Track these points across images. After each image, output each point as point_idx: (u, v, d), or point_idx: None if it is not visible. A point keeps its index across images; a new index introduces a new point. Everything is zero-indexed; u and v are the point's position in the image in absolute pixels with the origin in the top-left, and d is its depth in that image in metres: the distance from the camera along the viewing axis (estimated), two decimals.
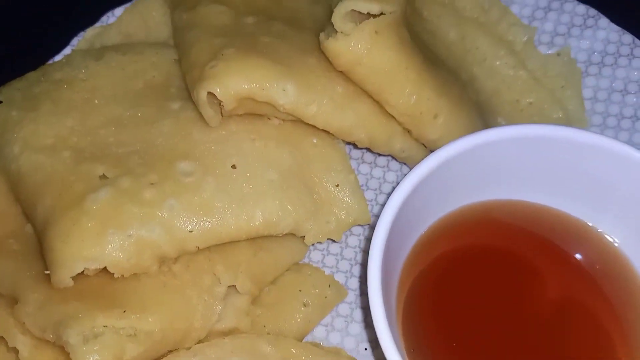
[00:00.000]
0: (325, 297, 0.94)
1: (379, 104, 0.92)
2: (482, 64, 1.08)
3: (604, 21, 1.09)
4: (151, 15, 1.10)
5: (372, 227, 0.98)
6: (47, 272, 0.83)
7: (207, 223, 0.86)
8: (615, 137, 1.03)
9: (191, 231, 0.86)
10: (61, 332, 0.78)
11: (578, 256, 0.90)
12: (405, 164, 1.04)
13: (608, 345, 0.85)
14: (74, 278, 0.82)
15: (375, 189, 1.04)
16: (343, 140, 0.96)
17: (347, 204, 0.94)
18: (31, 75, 1.00)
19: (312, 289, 0.94)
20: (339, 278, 0.97)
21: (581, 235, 0.90)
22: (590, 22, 1.10)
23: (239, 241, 0.90)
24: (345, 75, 0.90)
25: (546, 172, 0.88)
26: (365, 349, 0.93)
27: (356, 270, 0.99)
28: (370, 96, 0.92)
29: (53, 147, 0.91)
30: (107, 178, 0.87)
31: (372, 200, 1.03)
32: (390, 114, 0.92)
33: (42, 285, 0.83)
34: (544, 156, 0.86)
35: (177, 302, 0.84)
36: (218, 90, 0.86)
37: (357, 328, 0.94)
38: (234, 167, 0.90)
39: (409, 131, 0.95)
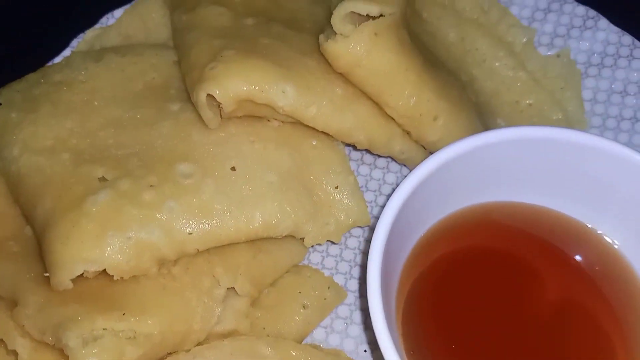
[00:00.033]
0: (325, 299, 0.94)
1: (378, 105, 0.92)
2: (481, 65, 1.08)
3: (603, 22, 1.09)
4: (151, 17, 1.10)
5: (372, 229, 0.98)
6: (47, 274, 0.83)
7: (207, 225, 0.86)
8: (615, 139, 1.03)
9: (190, 233, 0.86)
10: (60, 334, 0.78)
11: (578, 258, 0.90)
12: (404, 165, 1.04)
13: (608, 347, 0.85)
14: (73, 280, 0.82)
15: (375, 191, 1.04)
16: (342, 142, 0.96)
17: (347, 205, 0.94)
18: (31, 77, 1.00)
19: (311, 291, 0.94)
20: (339, 280, 0.97)
21: (581, 237, 0.90)
22: (589, 23, 1.10)
23: (238, 243, 0.90)
24: (344, 77, 0.90)
25: (546, 173, 0.88)
26: (365, 351, 0.93)
27: (356, 272, 0.99)
28: (369, 98, 0.92)
29: (52, 149, 0.91)
30: (107, 180, 0.87)
31: (371, 201, 1.03)
32: (389, 116, 0.92)
33: (42, 287, 0.83)
34: (543, 158, 0.86)
35: (176, 305, 0.84)
36: (217, 92, 0.86)
37: (357, 330, 0.94)
38: (233, 169, 0.90)
39: (408, 133, 0.95)
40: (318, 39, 0.90)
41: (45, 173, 0.88)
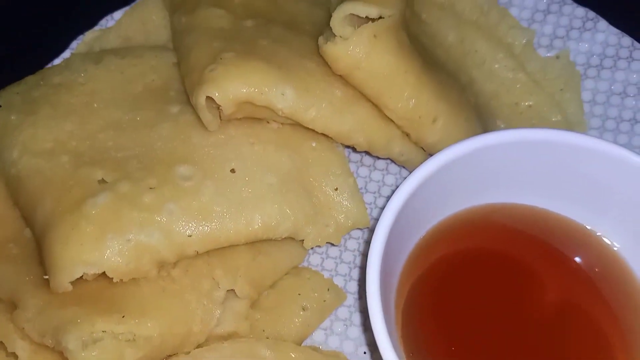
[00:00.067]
0: (324, 300, 0.94)
1: (377, 107, 0.92)
2: (481, 67, 1.08)
3: (602, 24, 1.09)
4: (150, 19, 1.10)
5: (371, 231, 0.98)
6: (46, 276, 0.83)
7: (206, 227, 0.86)
8: (614, 140, 1.03)
9: (190, 235, 0.86)
10: (60, 337, 0.78)
11: (577, 260, 0.90)
12: (404, 167, 1.04)
13: (607, 349, 0.85)
14: (73, 283, 0.82)
15: (374, 192, 1.04)
16: (342, 144, 0.96)
17: (346, 207, 0.94)
18: (30, 79, 1.00)
19: (311, 293, 0.94)
20: (338, 281, 0.97)
21: (580, 239, 0.90)
22: (589, 24, 1.10)
23: (238, 245, 0.90)
24: (344, 79, 0.90)
25: (545, 175, 0.88)
26: (365, 353, 0.93)
27: (355, 273, 0.99)
28: (369, 100, 0.92)
29: (52, 151, 0.91)
30: (106, 182, 0.87)
31: (371, 203, 1.03)
32: (389, 118, 0.92)
33: (41, 290, 0.83)
34: (543, 160, 0.86)
35: (176, 307, 0.84)
36: (217, 94, 0.86)
37: (356, 332, 0.94)
38: (233, 171, 0.90)
39: (407, 135, 0.95)
40: (317, 41, 0.90)
41: (45, 175, 0.88)
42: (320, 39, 0.89)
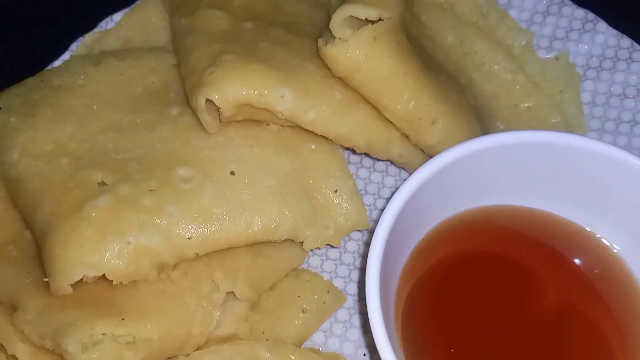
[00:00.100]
0: (324, 302, 0.94)
1: (377, 109, 0.92)
2: (480, 68, 1.08)
3: (602, 25, 1.09)
4: (150, 20, 1.10)
5: (371, 232, 0.98)
6: (46, 279, 0.83)
7: (206, 229, 0.86)
8: (614, 142, 1.03)
9: (190, 238, 0.86)
10: (60, 340, 0.78)
11: (577, 262, 0.90)
12: (403, 168, 1.04)
13: (607, 351, 0.85)
14: (72, 285, 0.82)
15: (374, 194, 1.04)
16: (341, 146, 0.96)
17: (346, 209, 0.94)
18: (30, 81, 1.00)
19: (310, 295, 0.93)
20: (338, 283, 0.97)
21: (580, 241, 0.90)
22: (588, 26, 1.10)
23: (237, 247, 0.90)
24: (343, 81, 0.90)
25: (545, 177, 0.88)
26: (364, 355, 0.93)
27: (355, 275, 0.99)
28: (368, 102, 0.92)
29: (52, 153, 0.91)
30: (106, 185, 0.87)
31: (370, 205, 1.03)
32: (388, 120, 0.92)
33: (41, 292, 0.83)
34: (543, 162, 0.86)
35: (175, 309, 0.84)
36: (216, 97, 0.86)
37: (356, 334, 0.94)
38: (232, 173, 0.90)
39: (407, 136, 0.95)
40: (317, 42, 0.90)
41: (45, 177, 0.88)
42: (320, 41, 0.89)
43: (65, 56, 1.08)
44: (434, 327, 0.86)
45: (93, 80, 0.99)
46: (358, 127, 0.92)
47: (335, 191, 0.94)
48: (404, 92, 0.89)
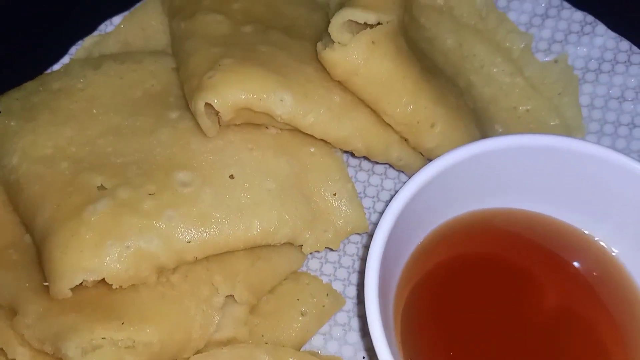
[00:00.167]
0: (323, 305, 0.94)
1: (376, 113, 0.92)
2: (479, 71, 1.08)
3: (601, 28, 1.09)
4: (149, 24, 1.10)
5: (370, 235, 0.98)
6: (46, 283, 0.83)
7: (205, 233, 0.86)
8: (612, 144, 1.03)
9: (189, 242, 0.86)
10: (60, 344, 0.78)
11: (576, 265, 0.90)
12: (402, 171, 1.04)
13: (606, 353, 0.85)
14: (72, 289, 0.82)
15: (373, 197, 1.05)
16: (340, 149, 0.96)
17: (345, 212, 0.94)
18: (30, 85, 1.01)
19: (310, 298, 0.94)
20: (337, 286, 0.98)
21: (579, 244, 0.91)
22: (587, 29, 1.10)
23: (237, 251, 0.90)
24: (342, 85, 0.91)
25: (544, 181, 0.88)
26: (364, 358, 0.93)
27: (354, 278, 0.99)
28: (367, 105, 0.92)
29: (52, 157, 0.91)
30: (106, 189, 0.87)
31: (369, 207, 1.03)
32: (387, 123, 0.93)
33: (41, 296, 0.84)
34: (542, 165, 0.86)
35: (175, 313, 0.84)
36: (215, 101, 0.86)
37: (355, 336, 0.95)
38: (231, 177, 0.90)
39: (406, 140, 0.95)
40: (316, 46, 0.90)
41: (45, 182, 0.89)
42: (319, 45, 0.89)
43: (65, 60, 1.08)
44: (433, 329, 0.87)
45: (92, 84, 0.99)
46: (357, 130, 0.92)
47: (334, 194, 0.94)
48: (403, 96, 0.90)
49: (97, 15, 1.11)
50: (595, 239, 0.90)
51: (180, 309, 0.84)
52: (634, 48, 1.08)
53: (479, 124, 1.01)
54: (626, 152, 1.02)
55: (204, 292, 0.86)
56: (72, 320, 0.80)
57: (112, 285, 0.83)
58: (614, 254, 0.90)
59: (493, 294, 0.88)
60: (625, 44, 1.08)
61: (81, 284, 0.82)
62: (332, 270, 0.99)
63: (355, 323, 0.96)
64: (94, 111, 0.96)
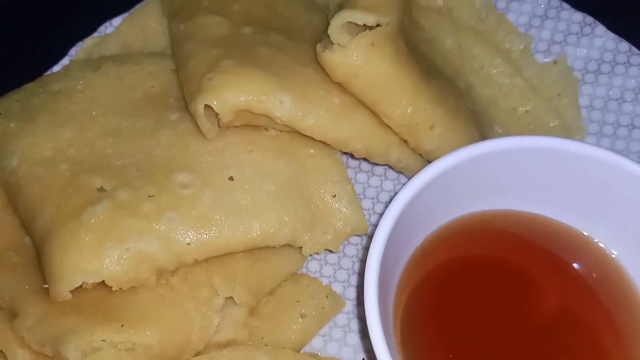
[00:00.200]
0: (323, 307, 0.94)
1: (375, 114, 0.92)
2: (478, 72, 1.08)
3: (600, 29, 1.09)
4: (149, 25, 1.10)
5: (370, 237, 0.98)
6: (46, 285, 0.84)
7: (205, 235, 0.86)
8: (612, 146, 1.03)
9: (189, 244, 0.86)
10: (60, 347, 0.78)
11: (576, 266, 0.90)
12: (402, 173, 1.04)
13: (605, 354, 0.85)
14: (72, 291, 0.82)
15: (373, 198, 1.05)
16: (340, 150, 0.96)
17: (344, 214, 0.94)
18: (29, 87, 1.01)
19: (309, 300, 0.94)
20: (337, 288, 0.98)
21: (578, 246, 0.91)
22: (586, 30, 1.10)
23: (236, 253, 0.90)
24: (342, 87, 0.91)
25: (544, 182, 0.88)
26: (363, 359, 0.93)
27: (354, 279, 0.99)
28: (366, 107, 0.92)
29: (51, 159, 0.91)
30: (106, 190, 0.87)
31: (369, 209, 1.03)
32: (387, 125, 0.93)
33: (41, 298, 0.84)
34: (541, 167, 0.87)
35: (175, 315, 0.84)
36: (215, 103, 0.86)
37: (355, 338, 0.95)
38: (231, 178, 0.90)
39: (405, 141, 0.95)
40: (316, 48, 0.90)
41: (44, 183, 0.89)
42: (318, 47, 0.89)
43: (65, 61, 1.08)
44: (433, 331, 0.87)
45: (92, 86, 0.99)
46: (356, 132, 0.92)
47: (334, 196, 0.94)
48: (402, 98, 0.90)
49: (96, 17, 1.11)
50: (595, 240, 0.90)
51: (180, 311, 0.85)
52: (634, 49, 1.08)
53: (479, 125, 1.01)
54: (625, 153, 1.02)
55: (203, 294, 0.86)
56: (71, 323, 0.80)
57: (111, 287, 0.83)
58: (613, 255, 0.90)
59: (493, 296, 0.88)
60: (624, 45, 1.08)
61: (81, 286, 0.82)
62: (331, 271, 0.99)
63: (355, 325, 0.96)
64: (94, 113, 0.96)
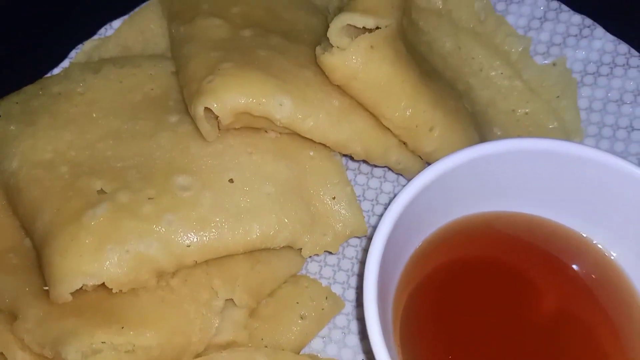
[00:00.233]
0: (323, 309, 0.94)
1: (375, 117, 0.92)
2: (478, 75, 1.08)
3: (599, 31, 1.09)
4: (149, 28, 1.10)
5: (369, 238, 0.98)
6: (46, 287, 0.84)
7: (205, 237, 0.87)
8: (611, 148, 1.03)
9: (189, 246, 0.86)
10: (60, 348, 0.79)
11: (575, 268, 0.90)
12: (401, 175, 1.04)
13: (604, 356, 0.85)
14: (72, 293, 0.82)
15: (372, 200, 1.05)
16: (339, 152, 0.96)
17: (344, 216, 0.94)
18: (29, 89, 1.01)
19: (309, 301, 0.94)
20: (336, 289, 0.98)
21: (577, 247, 0.91)
22: (585, 32, 1.10)
23: (236, 254, 0.90)
24: (341, 89, 0.91)
25: (543, 184, 0.88)
26: None
27: (353, 281, 0.99)
28: (366, 109, 0.92)
29: (51, 161, 0.91)
30: (106, 193, 0.87)
31: (368, 211, 1.04)
32: (386, 127, 0.93)
33: (41, 300, 0.84)
34: (540, 169, 0.87)
35: (175, 317, 0.84)
36: (215, 105, 0.86)
37: (355, 339, 0.95)
38: (231, 181, 0.90)
39: (404, 143, 0.95)
40: (315, 50, 0.90)
41: (44, 186, 0.89)
42: (318, 49, 0.90)
43: (65, 63, 1.08)
44: (432, 333, 0.87)
45: (92, 88, 0.99)
46: (356, 134, 0.92)
47: (334, 198, 0.94)
48: (402, 100, 0.90)
49: (96, 19, 1.11)
50: (594, 242, 0.91)
51: (180, 312, 0.85)
52: (633, 51, 1.08)
53: (478, 127, 1.02)
54: (624, 154, 1.02)
55: (203, 296, 0.87)
56: (72, 325, 0.80)
57: (111, 289, 0.83)
58: (612, 257, 0.90)
59: (492, 297, 0.89)
60: (623, 47, 1.08)
61: (81, 288, 0.83)
62: (331, 273, 0.99)
63: (354, 326, 0.96)
64: (94, 115, 0.96)
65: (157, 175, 0.89)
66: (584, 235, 0.91)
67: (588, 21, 1.10)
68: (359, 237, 1.01)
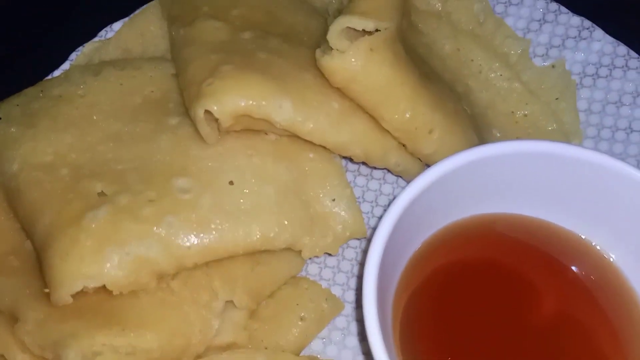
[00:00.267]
0: (322, 310, 0.94)
1: (374, 119, 0.92)
2: (477, 77, 1.08)
3: (598, 33, 1.09)
4: (149, 30, 1.10)
5: (369, 240, 0.98)
6: (47, 290, 0.84)
7: (205, 239, 0.87)
8: (610, 149, 1.04)
9: (189, 248, 0.86)
10: (60, 351, 0.79)
11: (574, 269, 0.90)
12: (401, 177, 1.04)
13: (603, 358, 0.85)
14: (73, 295, 0.82)
15: (372, 202, 1.05)
16: (339, 154, 0.97)
17: (344, 218, 0.94)
18: (30, 91, 1.01)
19: (309, 303, 0.94)
20: (336, 291, 0.98)
21: (577, 249, 0.91)
22: (584, 33, 1.10)
23: (236, 256, 0.90)
24: (341, 91, 0.91)
25: (542, 186, 0.89)
26: None
27: (353, 282, 0.99)
28: (365, 111, 0.92)
29: (52, 164, 0.91)
30: (106, 195, 0.87)
31: (368, 212, 1.04)
32: (385, 129, 0.93)
33: (42, 302, 0.84)
34: (540, 171, 0.87)
35: (175, 319, 0.84)
36: (215, 108, 0.86)
37: (354, 341, 0.95)
38: (231, 183, 0.90)
39: (404, 146, 0.95)
40: (315, 52, 0.91)
41: (45, 188, 0.89)
42: (318, 52, 0.90)
43: (65, 66, 1.08)
44: (432, 335, 0.87)
45: (93, 90, 0.99)
46: (355, 136, 0.92)
47: (333, 200, 0.95)
48: (401, 102, 0.90)
49: (97, 22, 1.11)
50: (593, 244, 0.91)
51: (180, 314, 0.85)
52: (632, 53, 1.08)
53: (477, 129, 1.02)
54: (623, 156, 1.03)
55: (203, 298, 0.87)
56: (72, 327, 0.80)
57: (112, 291, 0.83)
58: (611, 259, 0.90)
59: (491, 299, 0.89)
60: (622, 49, 1.08)
61: (81, 290, 0.83)
62: (331, 275, 1.00)
63: (354, 327, 0.96)
64: (94, 117, 0.96)
65: (157, 178, 0.89)
66: (583, 237, 0.91)
67: (587, 23, 1.10)
68: (358, 239, 1.01)
